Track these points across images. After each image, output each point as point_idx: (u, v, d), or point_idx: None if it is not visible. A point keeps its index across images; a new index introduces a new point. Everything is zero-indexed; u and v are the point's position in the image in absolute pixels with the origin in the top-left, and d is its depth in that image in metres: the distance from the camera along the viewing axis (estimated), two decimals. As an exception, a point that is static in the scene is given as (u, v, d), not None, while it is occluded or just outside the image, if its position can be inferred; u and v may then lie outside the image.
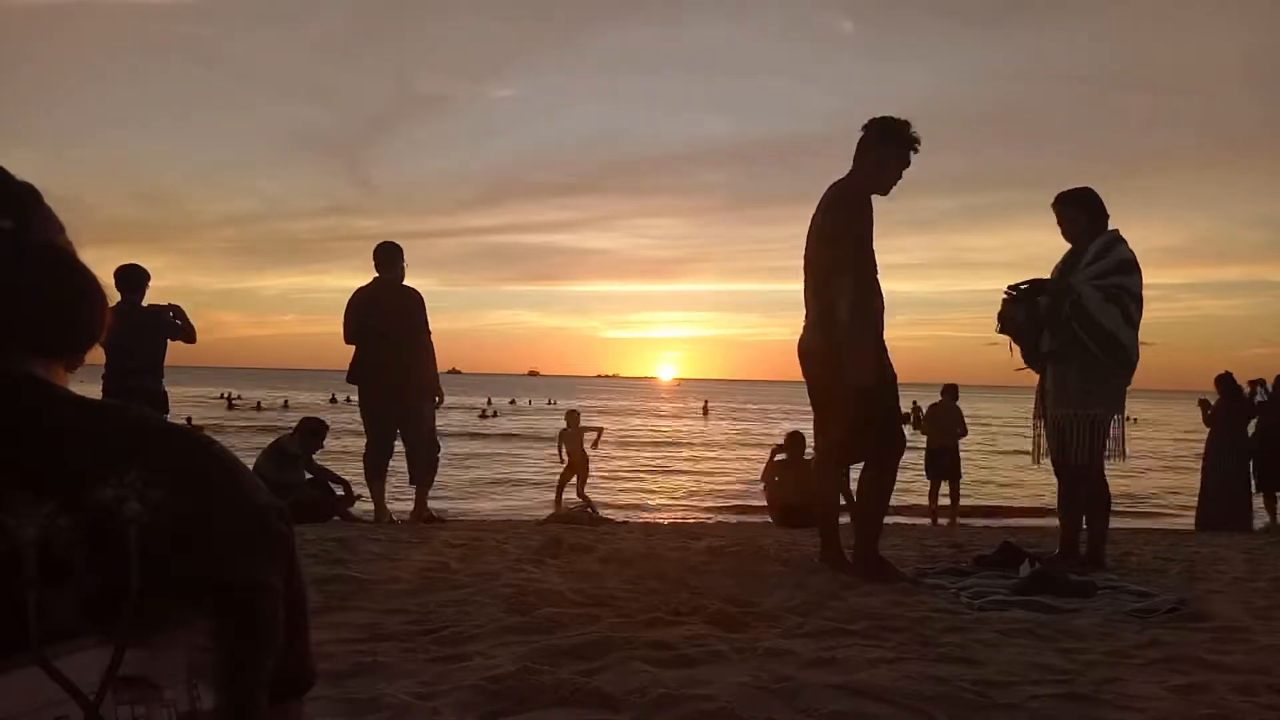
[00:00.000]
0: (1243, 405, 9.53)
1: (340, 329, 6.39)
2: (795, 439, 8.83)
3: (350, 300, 6.41)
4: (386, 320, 6.26)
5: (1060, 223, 4.53)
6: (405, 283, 6.45)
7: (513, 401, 49.88)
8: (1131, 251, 4.36)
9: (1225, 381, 9.53)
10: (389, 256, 6.40)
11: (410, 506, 6.74)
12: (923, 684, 2.17)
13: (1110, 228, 4.43)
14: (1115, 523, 11.61)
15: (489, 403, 45.23)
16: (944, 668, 2.37)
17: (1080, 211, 4.46)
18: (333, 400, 41.79)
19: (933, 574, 4.01)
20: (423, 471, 6.48)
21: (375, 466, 6.40)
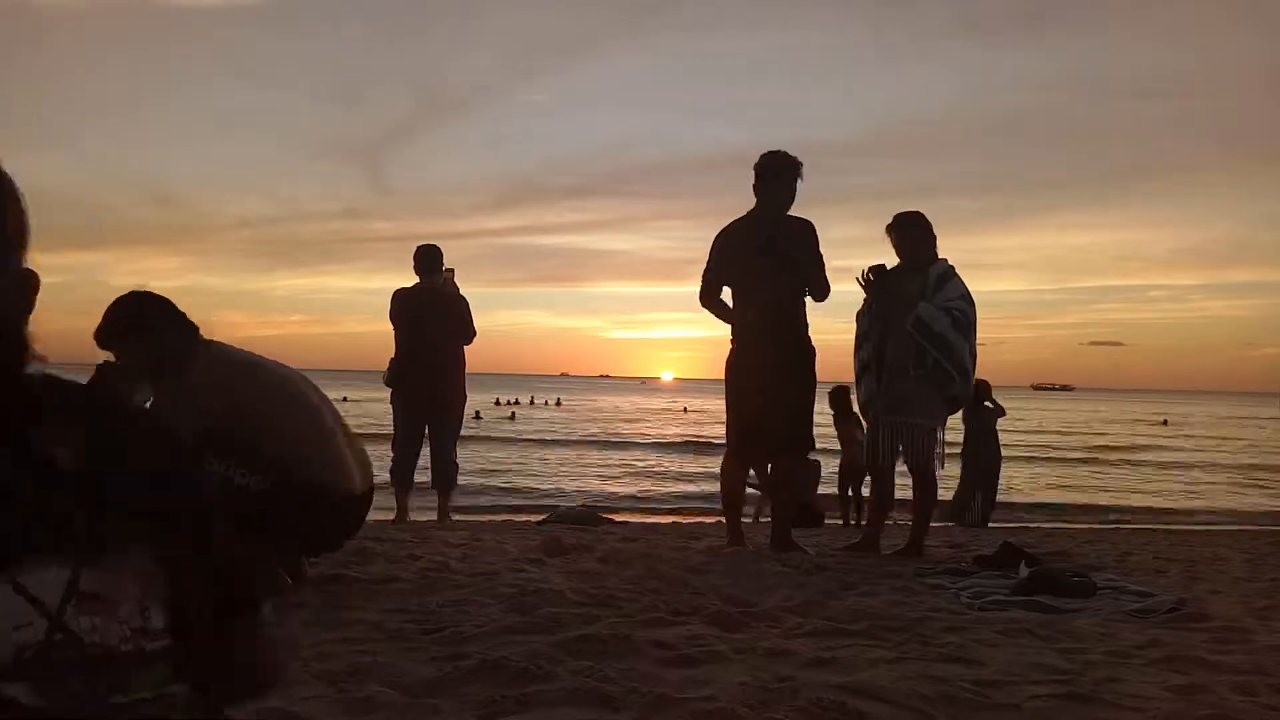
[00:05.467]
0: None
1: (375, 332, 6.52)
2: None
3: (397, 302, 6.43)
4: (440, 327, 6.33)
5: (900, 243, 4.87)
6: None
7: (516, 401, 49.74)
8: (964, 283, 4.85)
9: None
10: (430, 261, 6.41)
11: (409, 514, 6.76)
12: (923, 684, 2.17)
13: (941, 256, 4.85)
14: (1119, 523, 11.52)
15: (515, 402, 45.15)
16: (944, 668, 2.37)
17: (925, 233, 4.84)
18: (343, 400, 42.14)
19: (933, 574, 4.01)
20: (446, 476, 6.56)
21: (403, 471, 6.46)
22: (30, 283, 0.81)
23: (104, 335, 3.08)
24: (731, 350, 4.79)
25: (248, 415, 3.03)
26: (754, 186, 4.77)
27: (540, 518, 8.10)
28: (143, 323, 3.09)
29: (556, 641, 2.45)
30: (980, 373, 5.09)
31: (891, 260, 4.87)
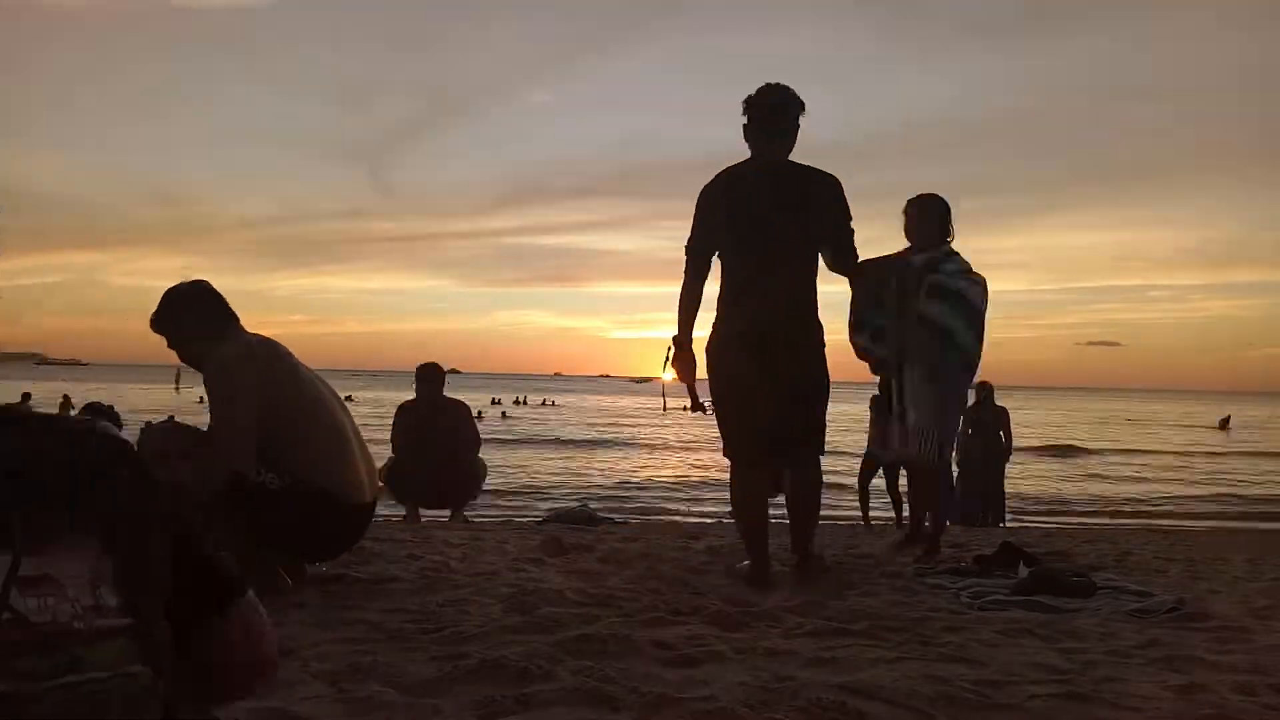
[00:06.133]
0: None
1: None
2: None
3: (398, 417, 6.89)
4: (441, 439, 6.75)
5: (916, 224, 4.48)
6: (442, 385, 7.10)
7: (513, 399, 49.75)
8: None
9: None
10: (431, 376, 6.94)
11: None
12: (923, 684, 2.17)
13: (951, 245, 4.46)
14: (1117, 522, 11.53)
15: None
16: (944, 668, 2.37)
17: (941, 222, 4.48)
18: (348, 399, 43.46)
19: (933, 574, 4.01)
20: (462, 501, 7.03)
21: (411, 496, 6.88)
22: None
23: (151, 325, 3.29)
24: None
25: (277, 413, 3.05)
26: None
27: (540, 518, 8.11)
28: (165, 315, 3.25)
29: (556, 641, 2.45)
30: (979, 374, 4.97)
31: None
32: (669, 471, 18.39)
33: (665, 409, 4.42)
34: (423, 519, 6.53)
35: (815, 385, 3.89)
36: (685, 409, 4.16)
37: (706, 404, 3.93)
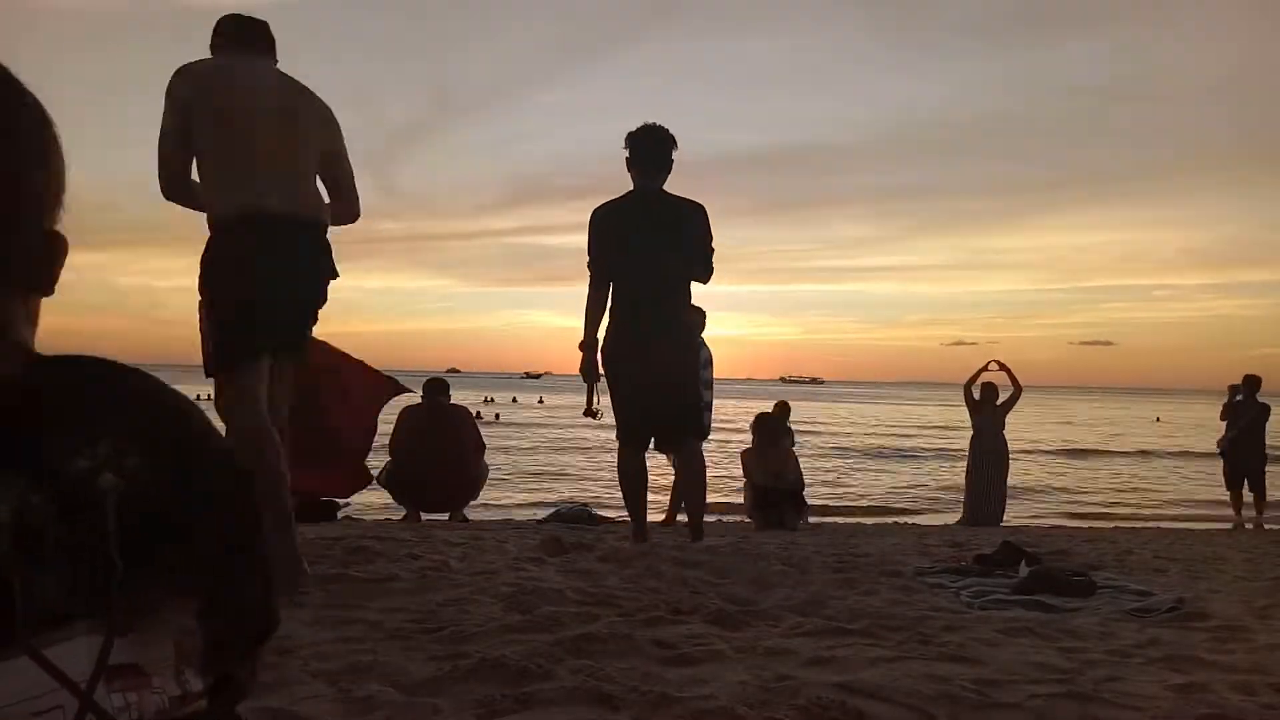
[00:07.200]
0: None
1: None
2: (761, 422, 7.92)
3: (402, 419, 7.02)
4: (443, 444, 6.89)
5: None
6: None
7: (498, 399, 49.78)
8: None
9: None
10: (438, 386, 7.19)
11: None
12: (923, 683, 2.16)
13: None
14: (1118, 522, 11.58)
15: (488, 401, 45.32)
16: (944, 667, 2.37)
17: None
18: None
19: (932, 573, 4.01)
20: (464, 503, 7.23)
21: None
22: (58, 248, 0.70)
23: None
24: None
25: (205, 134, 3.02)
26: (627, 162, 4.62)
27: (540, 517, 8.11)
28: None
29: (556, 640, 2.45)
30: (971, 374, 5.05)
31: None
32: (668, 471, 18.37)
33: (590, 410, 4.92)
34: (422, 519, 6.55)
35: (684, 381, 4.66)
36: (583, 413, 4.93)
37: (598, 409, 4.82)
